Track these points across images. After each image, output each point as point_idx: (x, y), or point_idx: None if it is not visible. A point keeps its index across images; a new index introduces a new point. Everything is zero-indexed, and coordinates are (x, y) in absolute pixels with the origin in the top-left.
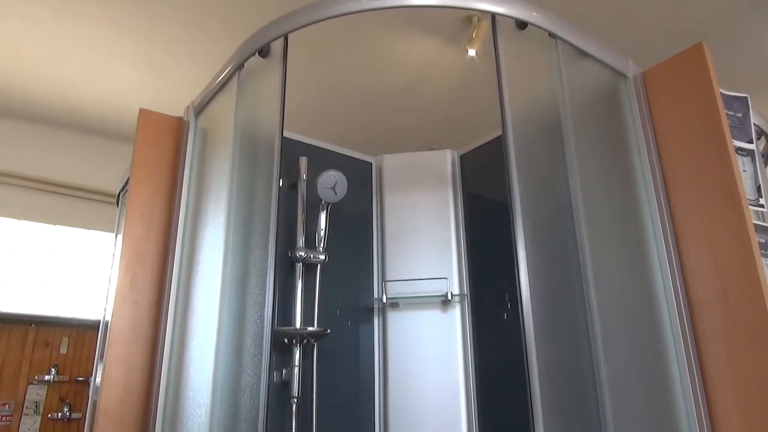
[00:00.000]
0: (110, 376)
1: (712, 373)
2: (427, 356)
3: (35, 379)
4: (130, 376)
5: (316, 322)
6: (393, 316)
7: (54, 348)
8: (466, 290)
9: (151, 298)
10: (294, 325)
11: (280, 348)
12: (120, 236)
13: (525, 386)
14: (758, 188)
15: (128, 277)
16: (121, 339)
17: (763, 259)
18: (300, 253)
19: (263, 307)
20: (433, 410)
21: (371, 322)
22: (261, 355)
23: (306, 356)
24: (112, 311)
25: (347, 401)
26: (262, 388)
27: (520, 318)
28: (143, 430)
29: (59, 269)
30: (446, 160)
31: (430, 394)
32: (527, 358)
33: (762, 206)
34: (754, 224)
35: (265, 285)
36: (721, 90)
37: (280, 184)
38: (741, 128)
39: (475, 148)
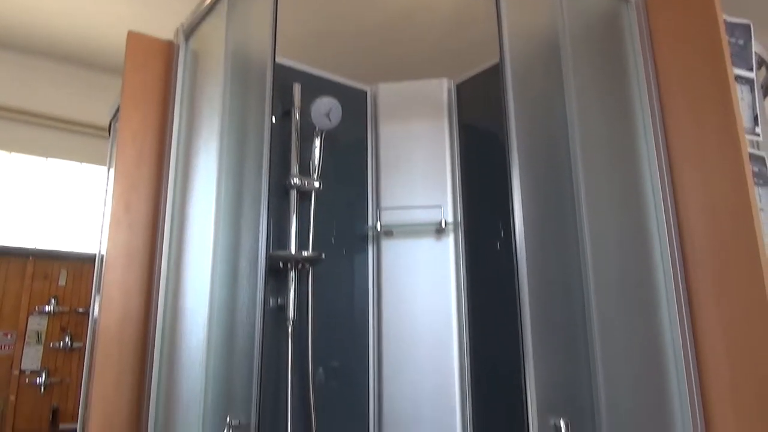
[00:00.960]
0: (108, 298)
1: (699, 299)
2: (421, 284)
3: (35, 310)
4: (128, 297)
5: (311, 248)
6: (387, 244)
7: (53, 280)
8: (460, 219)
9: (146, 222)
10: (289, 250)
11: (276, 272)
12: (112, 169)
13: (516, 314)
14: (755, 117)
15: (122, 203)
16: (117, 263)
17: (756, 188)
18: (294, 180)
19: (258, 231)
20: (426, 337)
21: (365, 250)
22: (256, 278)
23: (301, 282)
24: (107, 237)
25: (342, 326)
26: (257, 309)
27: (513, 246)
28: (143, 350)
29: (56, 203)
30: (442, 88)
31: (423, 321)
32: (519, 286)
33: (758, 135)
34: (749, 153)
35: (260, 210)
36: (723, 16)
37: (273, 120)
38: (742, 56)
39: (471, 77)
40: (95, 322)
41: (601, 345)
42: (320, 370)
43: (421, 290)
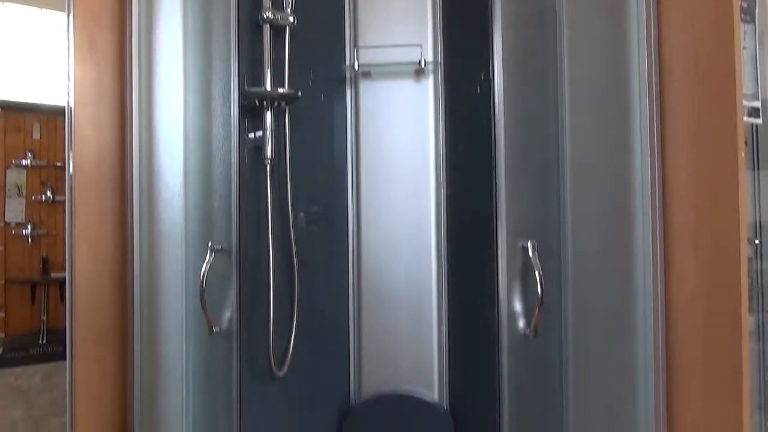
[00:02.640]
0: (82, 138)
1: (671, 140)
2: (400, 127)
3: (12, 163)
4: (102, 134)
5: (286, 86)
6: (366, 86)
7: (26, 133)
8: (440, 59)
9: (112, 57)
10: (264, 86)
11: (252, 111)
12: (71, 16)
13: (492, 161)
14: None
15: (85, 38)
16: (86, 99)
17: (742, 25)
18: (267, 14)
19: (229, 66)
20: (404, 179)
21: (343, 92)
22: (230, 114)
23: (278, 121)
24: (73, 75)
25: (321, 169)
26: (233, 144)
27: (491, 83)
28: (122, 185)
29: (19, 52)
30: None
31: (402, 163)
32: (495, 131)
33: None
34: None
35: (230, 43)
36: None
37: None
38: None
39: None
40: (71, 181)
41: (572, 178)
42: (301, 214)
43: (399, 133)
